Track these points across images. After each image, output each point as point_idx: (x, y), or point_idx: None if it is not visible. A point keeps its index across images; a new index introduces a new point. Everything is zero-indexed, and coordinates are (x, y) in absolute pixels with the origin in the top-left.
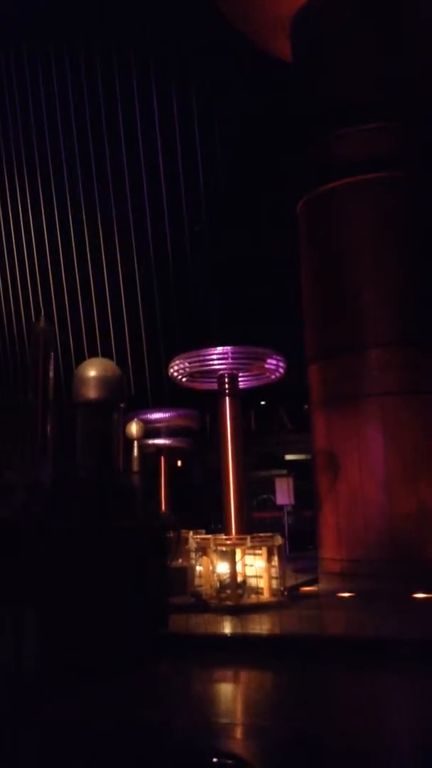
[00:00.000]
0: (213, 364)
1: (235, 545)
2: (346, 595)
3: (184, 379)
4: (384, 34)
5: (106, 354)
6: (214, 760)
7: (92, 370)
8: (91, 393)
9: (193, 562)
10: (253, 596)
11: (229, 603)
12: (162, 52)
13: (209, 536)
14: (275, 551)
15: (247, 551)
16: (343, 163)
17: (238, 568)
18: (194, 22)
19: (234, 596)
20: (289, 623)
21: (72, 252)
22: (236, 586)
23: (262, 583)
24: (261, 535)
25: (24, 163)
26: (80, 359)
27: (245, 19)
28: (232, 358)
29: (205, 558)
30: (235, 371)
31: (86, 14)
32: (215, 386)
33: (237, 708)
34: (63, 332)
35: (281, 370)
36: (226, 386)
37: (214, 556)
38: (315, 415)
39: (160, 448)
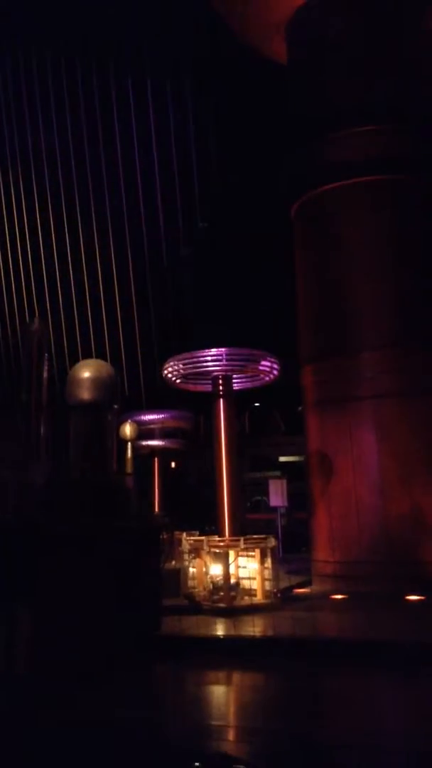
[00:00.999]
0: (207, 366)
1: (228, 547)
2: (339, 596)
3: (178, 381)
4: (380, 37)
5: (100, 355)
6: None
7: (86, 371)
8: (85, 394)
9: (187, 563)
10: (246, 598)
11: (222, 605)
12: (158, 53)
13: (203, 538)
14: (268, 553)
15: (241, 553)
16: (338, 166)
17: (232, 569)
18: (192, 24)
19: (227, 598)
20: (282, 625)
21: (66, 252)
22: (229, 587)
23: (255, 585)
24: (254, 536)
25: (19, 164)
26: (74, 360)
27: (242, 21)
28: (227, 360)
29: (198, 560)
30: (229, 373)
31: (82, 15)
32: (209, 388)
33: (230, 710)
34: (57, 333)
35: (275, 372)
36: (220, 388)
37: (208, 558)
38: (308, 416)
39: (153, 450)
